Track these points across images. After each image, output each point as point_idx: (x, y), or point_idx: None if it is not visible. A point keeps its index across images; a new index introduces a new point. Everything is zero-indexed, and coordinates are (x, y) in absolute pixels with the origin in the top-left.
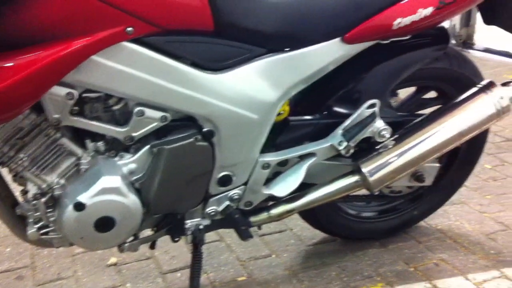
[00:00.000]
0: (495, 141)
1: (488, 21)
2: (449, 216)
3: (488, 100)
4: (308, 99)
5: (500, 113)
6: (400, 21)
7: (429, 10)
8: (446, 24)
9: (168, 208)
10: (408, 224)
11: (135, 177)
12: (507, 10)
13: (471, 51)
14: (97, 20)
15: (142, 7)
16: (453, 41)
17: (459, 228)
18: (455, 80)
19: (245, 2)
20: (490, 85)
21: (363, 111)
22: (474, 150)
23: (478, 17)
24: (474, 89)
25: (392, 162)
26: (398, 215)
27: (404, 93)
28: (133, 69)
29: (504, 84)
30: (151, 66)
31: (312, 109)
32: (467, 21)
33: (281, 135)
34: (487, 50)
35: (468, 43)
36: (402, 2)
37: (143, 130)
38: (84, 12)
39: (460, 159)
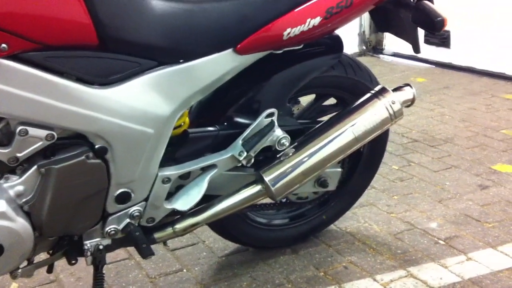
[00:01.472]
0: (402, 142)
1: (381, 28)
2: (358, 218)
3: (381, 105)
4: (207, 110)
5: (393, 117)
6: (290, 31)
7: (317, 20)
8: (355, 29)
9: (62, 230)
10: (317, 229)
11: (23, 200)
12: (396, 18)
13: (381, 56)
14: None
15: (15, 23)
16: (363, 47)
17: (367, 230)
18: (351, 87)
19: (129, 15)
20: (383, 90)
21: (262, 120)
22: (376, 154)
23: None
24: (367, 95)
25: (293, 169)
26: (307, 221)
27: (306, 100)
28: (10, 86)
29: (396, 89)
30: (30, 83)
31: (212, 120)
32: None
33: (181, 148)
34: (395, 55)
35: (377, 48)
36: (291, 12)
37: (28, 150)
38: None
39: (363, 163)
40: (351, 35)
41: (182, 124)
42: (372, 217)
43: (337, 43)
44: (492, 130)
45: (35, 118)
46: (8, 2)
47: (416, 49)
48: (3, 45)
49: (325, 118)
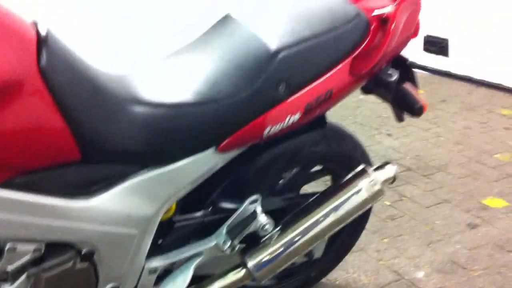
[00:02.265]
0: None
1: (365, 91)
2: (347, 268)
3: (362, 187)
4: (193, 196)
5: (373, 198)
6: (270, 129)
7: (296, 116)
8: None
9: None
10: (307, 285)
11: None
12: (382, 84)
13: None
14: None
15: None
16: None
17: (355, 281)
18: (336, 158)
19: (111, 126)
20: (364, 171)
21: (246, 207)
22: (361, 217)
23: None
24: (349, 176)
25: (276, 254)
26: (295, 280)
27: None
28: None
29: (377, 168)
30: (15, 206)
31: (197, 205)
32: None
33: (167, 236)
34: None
35: None
36: (270, 111)
37: (16, 264)
38: None
39: (348, 228)
40: None
41: (168, 209)
42: (361, 266)
43: (320, 118)
44: (486, 154)
45: (23, 237)
46: None
47: (399, 118)
48: None
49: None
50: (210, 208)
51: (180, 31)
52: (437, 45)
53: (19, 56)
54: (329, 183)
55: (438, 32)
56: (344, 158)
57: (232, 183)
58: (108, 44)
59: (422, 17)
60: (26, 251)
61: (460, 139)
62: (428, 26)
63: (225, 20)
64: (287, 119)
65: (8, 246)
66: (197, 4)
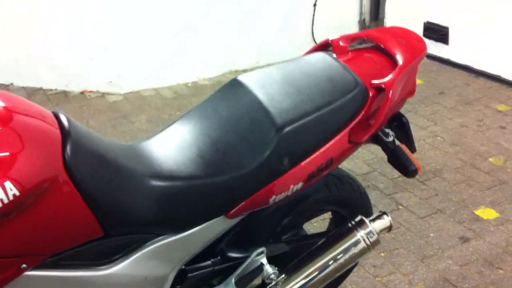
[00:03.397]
0: (393, 176)
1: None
2: (346, 285)
3: (359, 238)
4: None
5: (370, 247)
6: (275, 198)
7: (299, 185)
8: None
9: None
10: None
11: None
12: (379, 142)
13: None
14: None
15: (29, 248)
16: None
17: None
18: (336, 201)
19: (130, 202)
20: (361, 222)
21: (253, 259)
22: None
23: (388, 11)
24: (347, 227)
25: None
26: None
27: None
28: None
29: (373, 219)
30: (47, 282)
31: (207, 255)
32: (376, 15)
33: (180, 285)
34: None
35: None
36: (274, 182)
37: None
38: None
39: None
40: (350, 21)
41: None
42: (359, 283)
43: None
44: (481, 157)
45: None
46: (24, 233)
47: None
48: (23, 265)
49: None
50: (219, 257)
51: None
52: (437, 33)
53: (47, 157)
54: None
55: (439, 20)
56: (344, 200)
57: (239, 233)
58: None
59: (423, 2)
60: None
61: (456, 139)
62: (429, 12)
63: (233, 84)
64: (291, 188)
65: None
66: None
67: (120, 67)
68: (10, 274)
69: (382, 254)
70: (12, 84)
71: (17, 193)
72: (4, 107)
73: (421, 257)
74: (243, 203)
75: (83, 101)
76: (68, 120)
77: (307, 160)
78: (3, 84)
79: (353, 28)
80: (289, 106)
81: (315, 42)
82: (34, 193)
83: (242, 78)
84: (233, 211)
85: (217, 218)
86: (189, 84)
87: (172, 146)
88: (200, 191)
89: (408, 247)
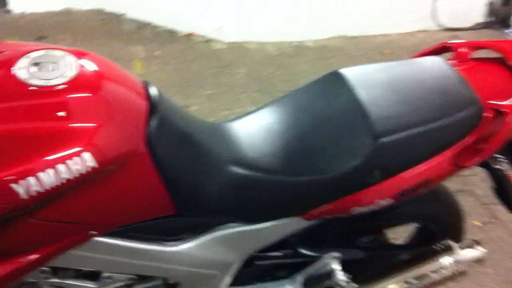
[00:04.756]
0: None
1: None
2: None
3: (445, 265)
4: None
5: (455, 277)
6: (358, 209)
7: (387, 201)
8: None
9: None
10: None
11: None
12: (487, 168)
13: (506, 31)
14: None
15: (100, 217)
16: (491, 18)
17: None
18: (426, 218)
19: (208, 184)
20: (450, 248)
21: (325, 262)
22: None
23: None
24: (433, 249)
25: None
26: None
27: None
28: (103, 254)
29: (464, 247)
30: (116, 250)
31: (279, 245)
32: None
33: (244, 270)
34: None
35: (505, 22)
36: (359, 192)
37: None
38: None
39: None
40: (477, 3)
41: None
42: None
43: None
44: None
45: (120, 271)
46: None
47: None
48: (92, 232)
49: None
50: (290, 251)
51: None
52: None
53: (131, 130)
54: None
55: None
56: (435, 217)
57: (313, 231)
58: None
59: None
60: (121, 279)
61: None
62: None
63: (333, 77)
64: (377, 203)
65: (103, 274)
66: None
67: (229, 15)
68: (79, 238)
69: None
70: (124, 14)
71: (95, 165)
72: (97, 72)
73: (506, 280)
74: (322, 207)
75: (188, 43)
76: (157, 93)
77: (401, 176)
78: (116, 14)
79: (478, 12)
80: (391, 114)
81: (434, 22)
82: (111, 166)
83: (344, 72)
84: (310, 213)
85: (292, 217)
86: (294, 43)
87: (258, 133)
88: (280, 188)
89: (496, 267)
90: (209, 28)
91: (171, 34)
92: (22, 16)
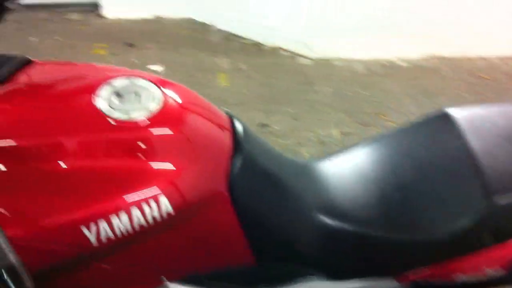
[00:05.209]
0: None
1: None
2: None
3: None
4: None
5: None
6: (462, 277)
7: (498, 272)
8: None
9: None
10: None
11: None
12: None
13: None
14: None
15: (171, 263)
16: None
17: None
18: None
19: (291, 231)
20: None
21: None
22: None
23: None
24: None
25: None
26: None
27: None
28: None
29: None
30: None
31: None
32: None
33: None
34: None
35: None
36: (465, 257)
37: None
38: None
39: None
40: None
41: None
42: None
43: None
44: None
45: None
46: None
47: None
48: (163, 278)
49: None
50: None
51: None
52: None
53: (212, 172)
54: None
55: None
56: None
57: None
58: None
59: None
60: None
61: None
62: None
63: (441, 119)
64: (485, 271)
65: None
66: None
67: (317, 30)
68: (149, 284)
69: None
70: (213, 25)
71: (171, 211)
72: (180, 106)
73: None
74: (420, 271)
75: (274, 58)
76: (243, 129)
77: None
78: (205, 24)
79: None
80: (509, 169)
81: None
82: (188, 212)
83: (454, 113)
84: (405, 276)
85: (383, 278)
86: (384, 62)
87: (351, 177)
88: (375, 244)
89: None
90: (296, 43)
91: (258, 47)
92: (114, 22)
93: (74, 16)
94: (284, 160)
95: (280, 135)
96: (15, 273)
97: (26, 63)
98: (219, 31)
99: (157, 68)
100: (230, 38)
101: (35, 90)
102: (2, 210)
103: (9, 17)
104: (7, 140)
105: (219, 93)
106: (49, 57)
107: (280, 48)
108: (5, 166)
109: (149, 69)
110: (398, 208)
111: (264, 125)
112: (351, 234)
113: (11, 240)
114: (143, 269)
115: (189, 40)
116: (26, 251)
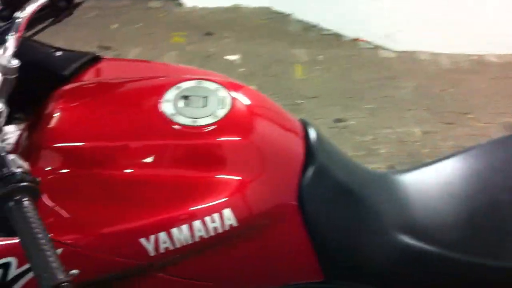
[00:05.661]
0: None
1: None
2: None
3: None
4: None
5: None
6: None
7: None
8: None
9: None
10: None
11: None
12: None
13: None
14: None
15: (234, 280)
16: None
17: None
18: None
19: (364, 250)
20: None
21: None
22: None
23: None
24: None
25: None
26: None
27: None
28: None
29: None
30: None
31: None
32: None
33: None
34: None
35: None
36: None
37: None
38: None
39: None
40: None
41: None
42: None
43: None
44: None
45: None
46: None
47: None
48: None
49: None
50: None
51: None
52: None
53: (282, 183)
54: None
55: None
56: None
57: None
58: None
59: None
60: None
61: None
62: None
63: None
64: None
65: None
66: None
67: (401, 20)
68: None
69: None
70: (291, 14)
71: (235, 224)
72: (250, 111)
73: None
74: None
75: (354, 49)
76: (316, 136)
77: None
78: (283, 13)
79: None
80: None
81: None
82: (254, 225)
83: None
84: None
85: None
86: (473, 57)
87: (436, 193)
88: (463, 270)
89: None
90: (378, 34)
91: (337, 38)
92: (192, 10)
93: (155, 3)
94: (361, 171)
95: (357, 131)
96: None
97: (95, 60)
98: (298, 21)
99: (234, 57)
100: (308, 29)
101: (100, 90)
102: (63, 214)
103: (91, 3)
104: (71, 142)
105: (295, 85)
106: (129, 46)
107: (361, 39)
108: (68, 169)
109: (226, 59)
110: (491, 231)
111: (339, 120)
112: (436, 257)
113: (68, 247)
114: (201, 282)
115: (267, 30)
116: (83, 259)
